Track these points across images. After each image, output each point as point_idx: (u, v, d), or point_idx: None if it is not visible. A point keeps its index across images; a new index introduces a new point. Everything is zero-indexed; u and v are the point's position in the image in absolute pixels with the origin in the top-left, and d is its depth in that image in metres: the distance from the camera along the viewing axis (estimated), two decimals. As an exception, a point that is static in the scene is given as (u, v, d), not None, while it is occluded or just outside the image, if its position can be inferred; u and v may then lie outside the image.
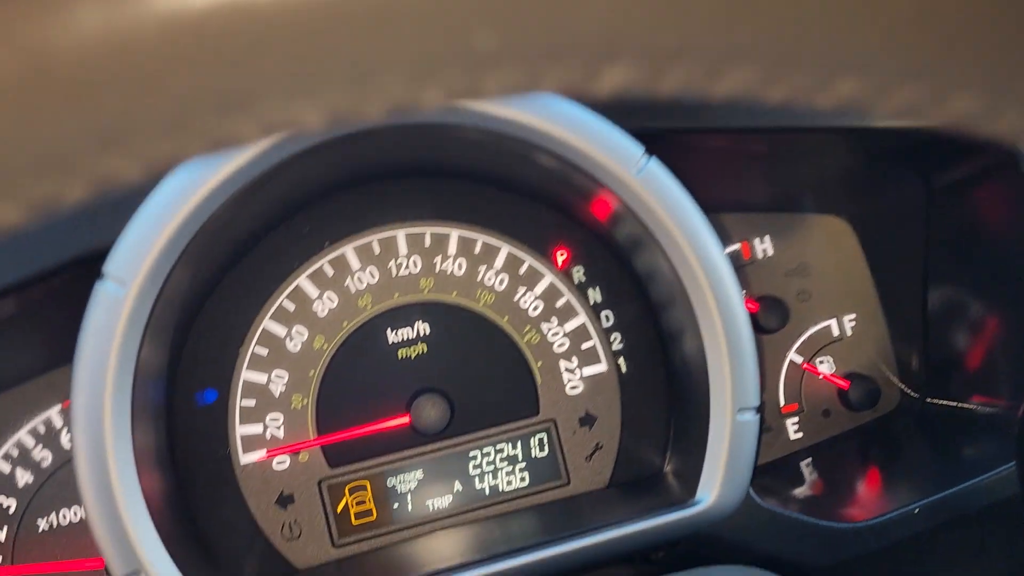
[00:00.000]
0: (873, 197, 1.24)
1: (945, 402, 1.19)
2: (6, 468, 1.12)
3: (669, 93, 0.34)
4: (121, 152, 0.29)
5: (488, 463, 1.17)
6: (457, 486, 1.16)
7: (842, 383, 1.25)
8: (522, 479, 1.17)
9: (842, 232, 1.28)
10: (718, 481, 0.92)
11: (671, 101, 1.03)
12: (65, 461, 1.13)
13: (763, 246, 1.27)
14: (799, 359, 1.26)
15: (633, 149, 0.92)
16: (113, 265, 0.85)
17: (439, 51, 0.29)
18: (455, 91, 0.31)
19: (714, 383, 0.92)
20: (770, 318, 1.22)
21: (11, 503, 1.12)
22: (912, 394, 1.25)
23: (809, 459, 1.23)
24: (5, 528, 1.12)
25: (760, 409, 0.96)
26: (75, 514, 1.13)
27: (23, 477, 1.13)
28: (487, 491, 1.17)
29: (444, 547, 1.10)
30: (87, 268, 0.98)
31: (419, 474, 1.16)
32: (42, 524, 1.12)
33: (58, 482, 1.13)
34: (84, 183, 0.29)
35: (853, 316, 1.27)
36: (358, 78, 0.29)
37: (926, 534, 0.97)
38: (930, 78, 0.32)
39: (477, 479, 1.17)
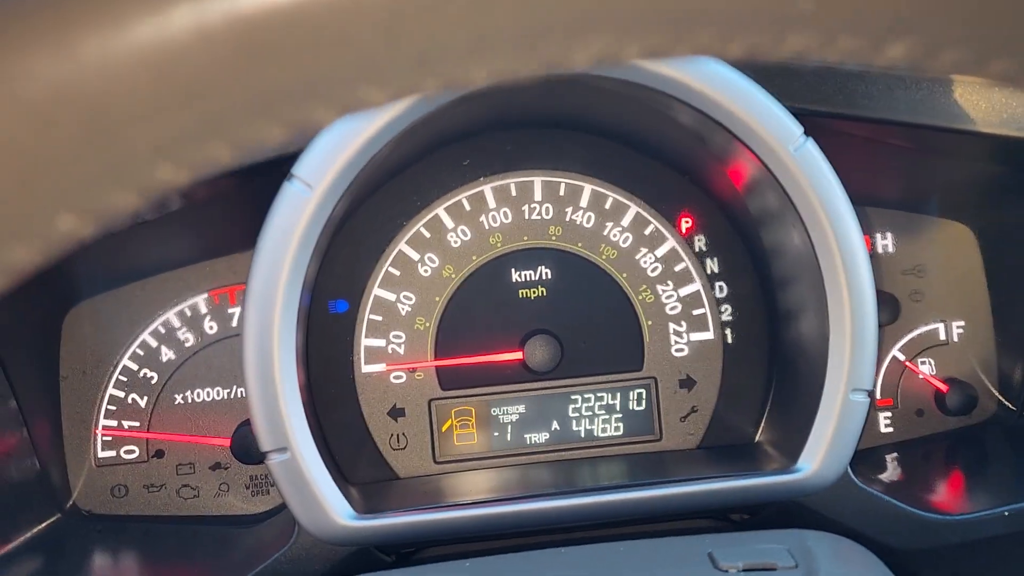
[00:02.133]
0: (1003, 209, 1.26)
1: (1043, 419, 1.21)
2: (153, 343, 1.23)
3: (833, 61, 0.37)
4: (375, 85, 0.34)
5: (587, 408, 1.24)
6: (555, 425, 1.23)
7: (941, 386, 1.27)
8: (616, 428, 1.24)
9: (965, 239, 1.29)
10: (822, 453, 0.96)
11: (827, 86, 1.05)
12: (205, 344, 1.23)
13: (885, 242, 1.29)
14: (902, 356, 1.29)
15: (793, 128, 0.96)
16: (303, 169, 0.93)
17: (648, 12, 0.34)
18: (654, 49, 0.35)
19: (832, 360, 0.97)
20: (881, 312, 1.24)
21: (154, 375, 1.23)
22: (1010, 406, 1.27)
23: (895, 454, 1.26)
24: (146, 397, 1.22)
25: (871, 394, 1.00)
26: (207, 394, 1.23)
27: (167, 354, 1.23)
28: (582, 434, 1.23)
29: (535, 477, 1.17)
30: (244, 176, 1.06)
31: (521, 408, 1.23)
32: (178, 398, 1.23)
33: (197, 363, 1.23)
34: (338, 109, 0.35)
35: (962, 323, 1.29)
36: (575, 34, 0.34)
37: (1009, 538, 1.01)
38: None
39: (574, 421, 1.23)
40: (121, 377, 1.22)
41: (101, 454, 1.22)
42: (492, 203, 1.24)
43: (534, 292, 1.24)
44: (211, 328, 1.24)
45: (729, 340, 1.25)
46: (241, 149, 0.36)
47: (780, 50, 0.36)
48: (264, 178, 0.99)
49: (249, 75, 0.33)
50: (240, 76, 0.33)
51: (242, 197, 1.13)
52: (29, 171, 0.33)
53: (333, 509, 0.94)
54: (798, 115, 0.98)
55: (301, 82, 0.34)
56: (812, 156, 0.95)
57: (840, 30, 0.35)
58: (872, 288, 0.98)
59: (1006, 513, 0.98)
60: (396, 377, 1.23)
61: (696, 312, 1.25)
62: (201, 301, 1.24)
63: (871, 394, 0.99)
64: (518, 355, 1.22)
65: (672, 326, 1.25)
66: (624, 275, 1.24)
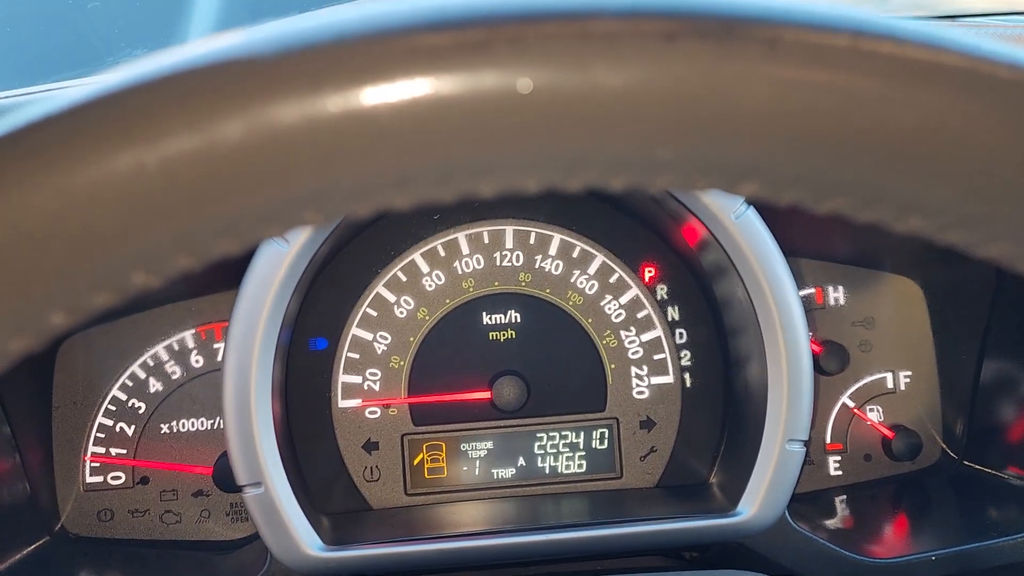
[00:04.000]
0: (948, 267, 1.33)
1: (981, 467, 1.28)
2: (142, 375, 1.30)
3: (781, 205, 0.45)
4: (315, 211, 0.41)
5: (552, 446, 1.31)
6: (521, 461, 1.30)
7: (888, 433, 1.34)
8: (579, 466, 1.30)
9: (912, 294, 1.37)
10: (759, 499, 1.03)
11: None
12: (191, 377, 1.30)
13: (836, 294, 1.37)
14: (851, 403, 1.36)
15: (736, 198, 1.04)
16: (281, 225, 1.00)
17: (633, 155, 0.42)
18: (632, 182, 0.43)
19: (771, 412, 1.04)
20: (831, 361, 1.32)
21: (141, 405, 1.29)
22: (952, 454, 1.34)
23: (844, 496, 1.33)
24: (133, 426, 1.29)
25: (807, 443, 1.07)
26: (192, 424, 1.30)
27: (154, 385, 1.30)
28: (547, 470, 1.30)
29: (501, 511, 1.24)
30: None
31: (489, 444, 1.30)
32: (164, 428, 1.29)
33: (182, 395, 1.30)
34: (283, 227, 0.43)
35: (909, 373, 1.37)
36: (573, 166, 0.42)
37: (939, 581, 1.07)
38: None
39: (539, 458, 1.30)
40: (110, 407, 1.29)
41: (89, 480, 1.29)
42: (466, 250, 1.31)
43: (503, 335, 1.31)
44: (197, 362, 1.31)
45: (688, 384, 1.32)
46: (203, 258, 0.44)
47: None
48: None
49: (204, 206, 0.41)
50: (198, 206, 0.41)
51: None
52: (27, 282, 0.41)
53: (304, 541, 1.01)
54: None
55: (245, 211, 0.42)
56: (751, 223, 1.03)
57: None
58: (807, 346, 1.05)
59: (933, 558, 1.05)
60: (371, 412, 1.30)
61: (657, 357, 1.32)
62: (188, 336, 1.31)
63: (806, 443, 1.06)
64: (487, 394, 1.29)
65: (634, 369, 1.32)
66: (589, 320, 1.32)
